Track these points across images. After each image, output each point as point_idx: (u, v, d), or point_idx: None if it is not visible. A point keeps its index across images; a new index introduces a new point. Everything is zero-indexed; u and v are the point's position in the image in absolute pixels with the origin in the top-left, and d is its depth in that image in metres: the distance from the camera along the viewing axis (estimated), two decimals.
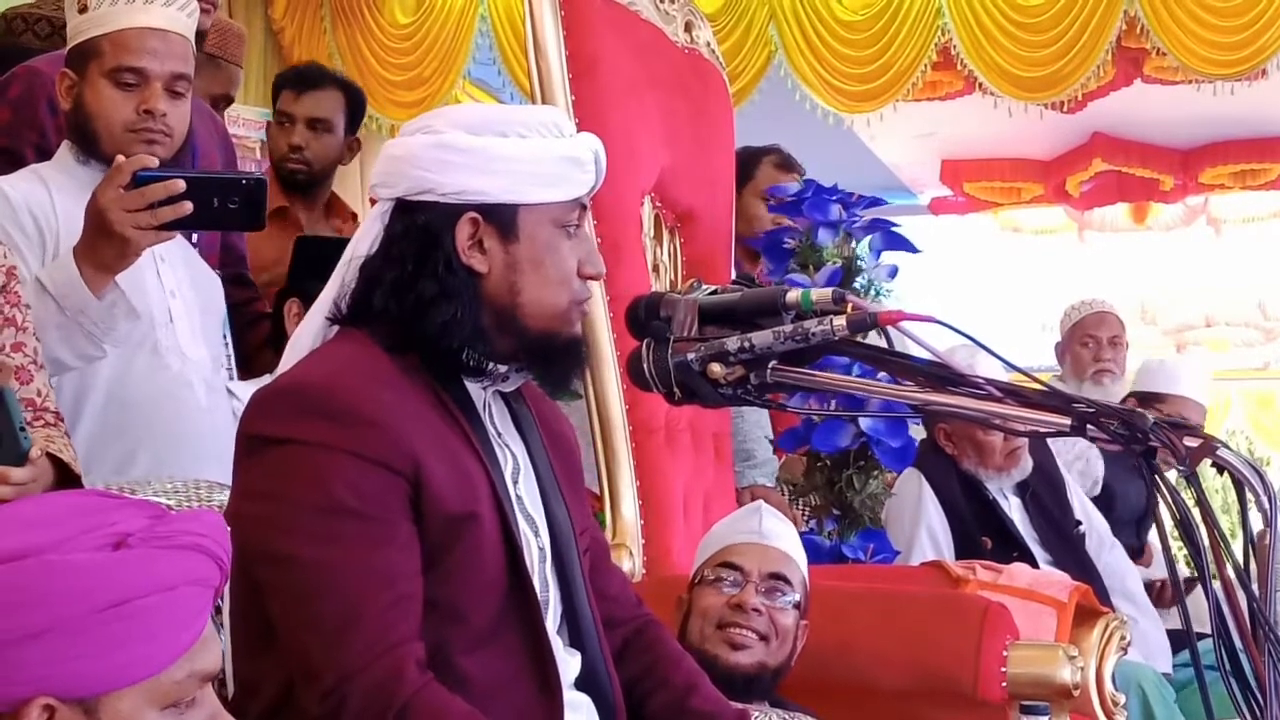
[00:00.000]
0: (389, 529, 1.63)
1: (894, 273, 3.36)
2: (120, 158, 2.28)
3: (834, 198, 3.25)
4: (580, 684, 1.80)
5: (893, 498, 3.69)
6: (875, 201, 3.37)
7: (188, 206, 2.21)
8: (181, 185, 2.21)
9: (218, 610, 1.80)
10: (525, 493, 1.80)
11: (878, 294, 3.24)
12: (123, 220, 2.20)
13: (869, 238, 3.28)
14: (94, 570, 1.18)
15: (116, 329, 2.32)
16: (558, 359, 1.79)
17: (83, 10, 2.44)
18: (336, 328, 1.79)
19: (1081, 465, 4.15)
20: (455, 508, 1.67)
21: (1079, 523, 3.88)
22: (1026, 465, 3.69)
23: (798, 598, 2.43)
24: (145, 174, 2.22)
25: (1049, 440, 3.77)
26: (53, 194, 2.43)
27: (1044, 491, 3.78)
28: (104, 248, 2.24)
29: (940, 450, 3.71)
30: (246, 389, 2.79)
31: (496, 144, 1.74)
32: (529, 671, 1.72)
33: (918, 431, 4.56)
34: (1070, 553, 3.76)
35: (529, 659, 1.73)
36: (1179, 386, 4.28)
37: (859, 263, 3.23)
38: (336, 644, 1.59)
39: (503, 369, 1.79)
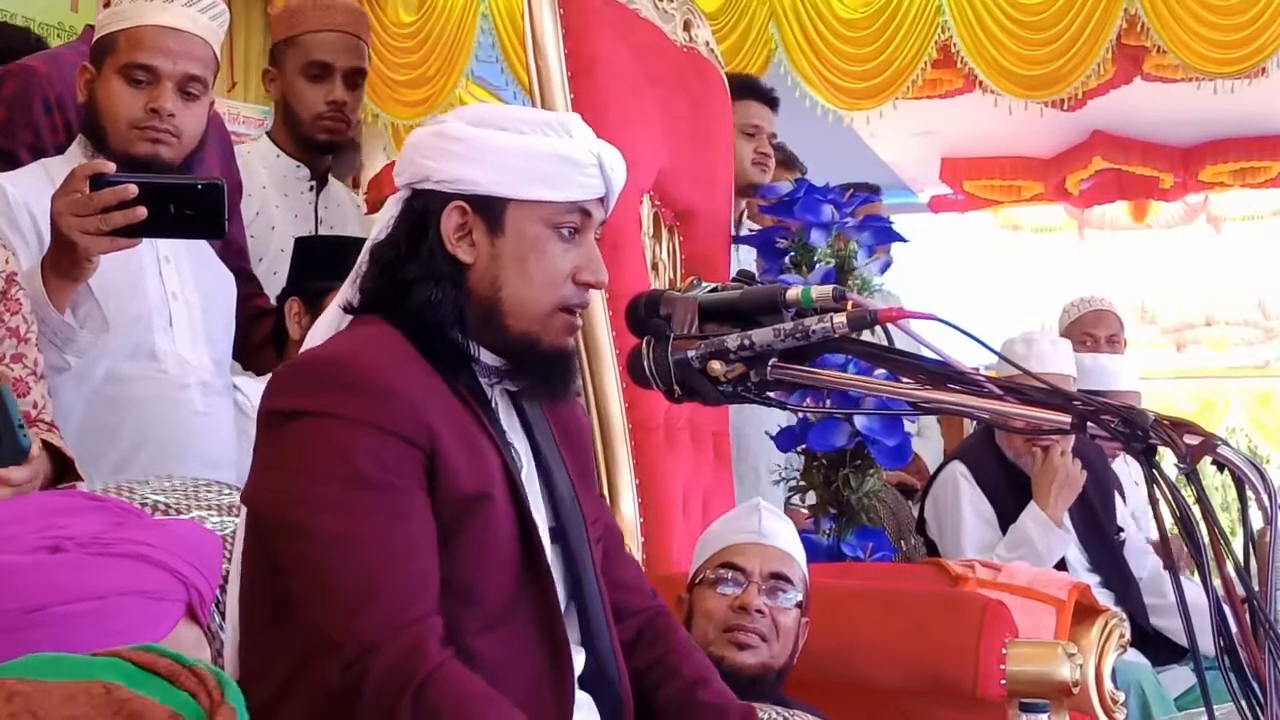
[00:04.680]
0: (408, 500, 1.64)
1: (886, 267, 3.37)
2: (80, 162, 2.26)
3: (826, 198, 3.25)
4: (587, 681, 1.80)
5: (930, 498, 3.76)
6: (867, 198, 3.35)
7: (141, 212, 2.16)
8: (134, 190, 2.16)
9: (218, 606, 1.80)
10: (528, 489, 1.80)
11: (871, 290, 3.25)
12: (73, 225, 2.16)
13: (861, 235, 3.28)
14: (22, 572, 1.17)
15: (76, 341, 2.29)
16: (540, 368, 1.79)
17: (107, 4, 2.45)
18: (350, 316, 1.80)
19: None
20: (468, 487, 1.68)
21: (1121, 529, 3.91)
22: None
23: (799, 596, 2.43)
24: (101, 179, 2.18)
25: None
26: None
27: (1091, 491, 3.81)
28: (61, 256, 2.21)
29: (985, 441, 3.82)
30: (253, 384, 2.78)
31: (492, 136, 1.75)
32: (541, 652, 1.73)
33: (926, 431, 4.60)
34: (1109, 557, 3.80)
35: (542, 640, 1.73)
36: (1110, 381, 4.28)
37: (853, 260, 3.23)
38: (358, 615, 1.58)
39: (498, 363, 1.79)
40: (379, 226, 1.81)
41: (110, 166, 2.23)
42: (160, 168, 2.39)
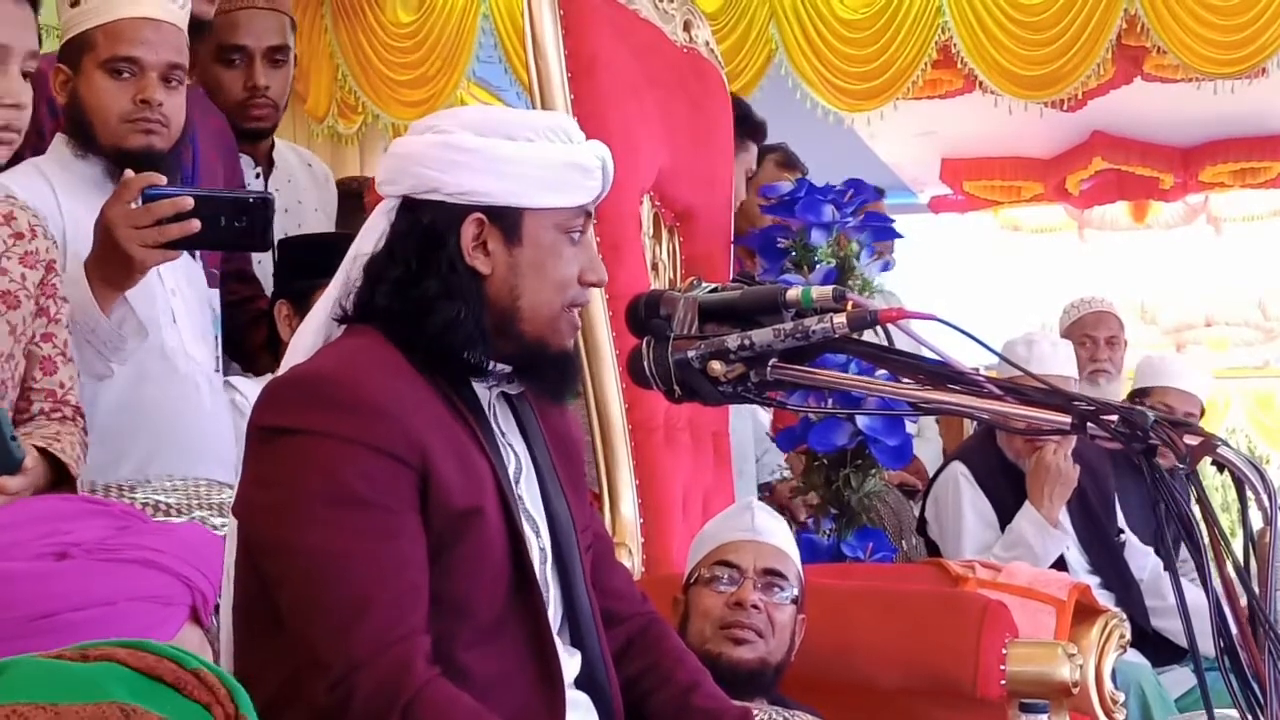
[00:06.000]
0: (398, 519, 1.64)
1: (886, 267, 3.37)
2: (129, 173, 2.28)
3: (827, 198, 3.25)
4: (580, 683, 1.81)
5: (931, 499, 3.77)
6: (864, 188, 3.34)
7: (195, 224, 2.21)
8: (190, 203, 2.21)
9: (217, 609, 1.80)
10: (526, 493, 1.81)
11: (872, 291, 3.25)
12: (129, 237, 2.20)
13: (862, 235, 3.28)
14: (29, 579, 1.16)
15: (124, 348, 2.32)
16: (547, 371, 1.80)
17: (74, 4, 2.44)
18: (342, 326, 1.79)
19: None
20: (461, 502, 1.68)
21: (1121, 531, 3.91)
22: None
23: (795, 592, 2.43)
24: (153, 191, 2.22)
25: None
26: (57, 193, 2.42)
27: (1091, 492, 3.81)
28: (112, 264, 2.24)
29: (986, 442, 3.82)
30: (251, 385, 2.79)
31: (504, 146, 1.74)
32: (532, 667, 1.73)
33: (925, 432, 4.60)
34: (1109, 558, 3.80)
35: (532, 654, 1.73)
36: (1168, 379, 4.30)
37: (854, 260, 3.23)
38: (345, 634, 1.59)
39: (505, 369, 1.80)
40: (370, 239, 1.79)
41: (162, 179, 2.26)
42: (153, 157, 2.40)
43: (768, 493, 3.71)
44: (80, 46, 2.44)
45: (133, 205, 2.21)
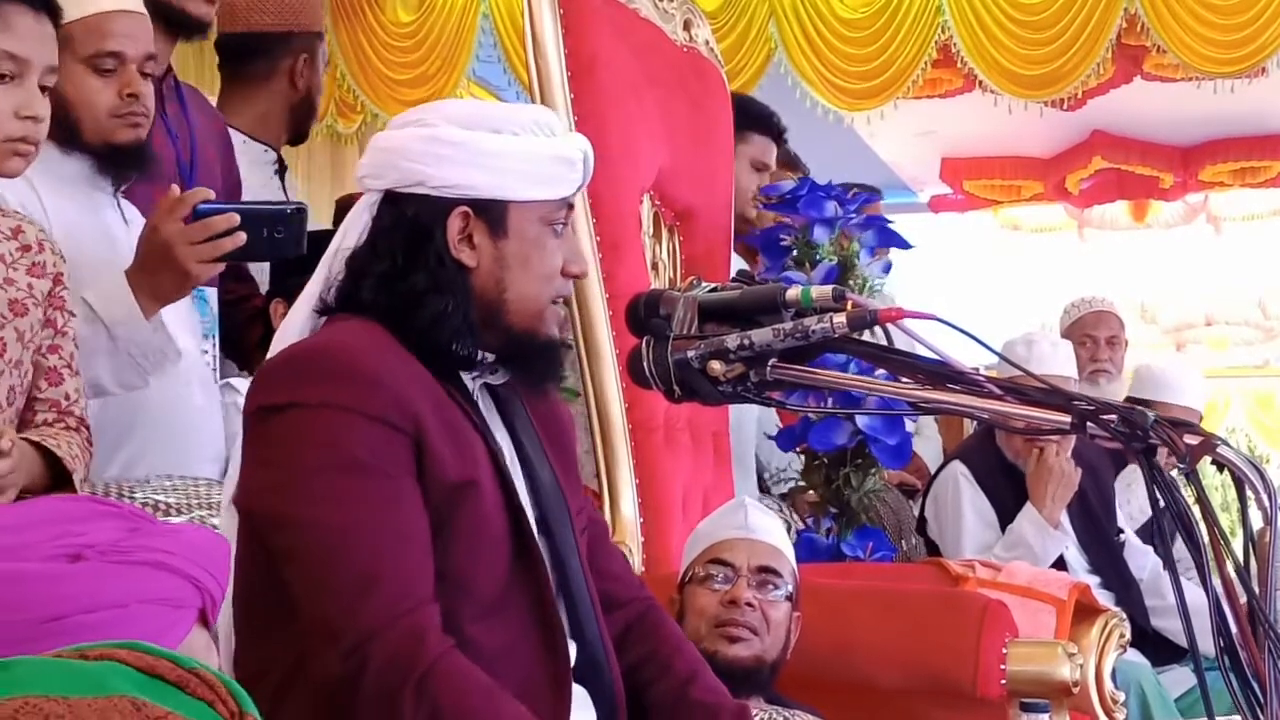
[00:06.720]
0: (398, 484, 1.64)
1: (888, 268, 3.37)
2: (174, 189, 2.30)
3: (829, 195, 3.25)
4: (578, 673, 1.80)
5: (931, 498, 3.77)
6: (869, 198, 3.35)
7: (243, 238, 2.25)
8: (237, 218, 2.26)
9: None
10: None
11: (872, 291, 3.25)
12: (187, 254, 2.24)
13: (864, 234, 3.28)
14: (40, 580, 1.15)
15: (164, 365, 2.34)
16: (535, 360, 1.82)
17: None
18: (324, 319, 1.80)
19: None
20: (455, 475, 1.69)
21: (1120, 531, 3.90)
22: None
23: (789, 589, 2.44)
24: (205, 206, 2.26)
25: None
26: (40, 193, 2.40)
27: (1091, 493, 3.81)
28: (164, 280, 2.27)
29: (985, 442, 3.82)
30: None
31: (489, 139, 1.75)
32: (536, 639, 1.74)
33: (925, 431, 4.60)
34: (1109, 558, 3.80)
35: (536, 626, 1.74)
36: (1167, 393, 4.29)
37: (856, 259, 3.24)
38: (356, 604, 1.59)
39: (491, 359, 1.80)
40: (352, 234, 1.79)
41: (211, 194, 2.31)
42: (138, 150, 2.43)
43: (789, 504, 3.70)
44: (58, 43, 2.43)
45: (186, 223, 2.25)
